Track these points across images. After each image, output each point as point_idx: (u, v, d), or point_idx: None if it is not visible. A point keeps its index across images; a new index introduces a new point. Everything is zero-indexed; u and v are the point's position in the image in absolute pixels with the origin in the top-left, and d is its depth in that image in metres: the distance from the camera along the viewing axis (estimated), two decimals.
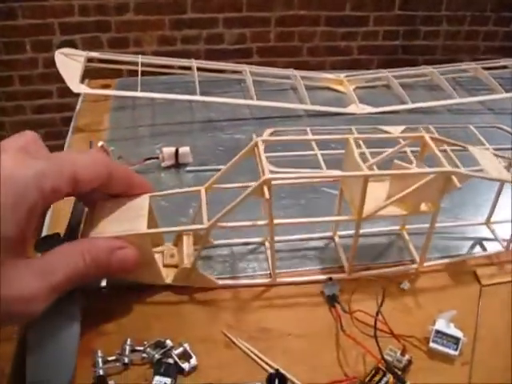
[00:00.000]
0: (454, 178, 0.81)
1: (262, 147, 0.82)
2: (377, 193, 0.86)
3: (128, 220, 0.82)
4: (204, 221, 0.83)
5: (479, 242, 1.03)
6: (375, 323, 0.80)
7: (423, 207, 0.87)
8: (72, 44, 2.65)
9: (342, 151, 1.11)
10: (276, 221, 0.83)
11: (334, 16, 3.05)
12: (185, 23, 2.81)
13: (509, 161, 0.94)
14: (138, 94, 1.29)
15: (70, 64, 1.35)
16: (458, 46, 3.38)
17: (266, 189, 0.77)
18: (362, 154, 0.98)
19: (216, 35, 2.89)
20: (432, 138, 0.87)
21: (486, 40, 3.42)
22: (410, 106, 1.42)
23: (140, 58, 1.40)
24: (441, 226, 1.03)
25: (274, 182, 0.78)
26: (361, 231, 1.00)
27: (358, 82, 1.57)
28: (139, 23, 2.76)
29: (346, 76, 1.57)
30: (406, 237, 1.01)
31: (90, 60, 1.42)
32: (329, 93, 1.56)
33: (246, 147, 0.84)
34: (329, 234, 1.00)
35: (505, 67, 1.66)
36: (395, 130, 1.28)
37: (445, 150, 0.90)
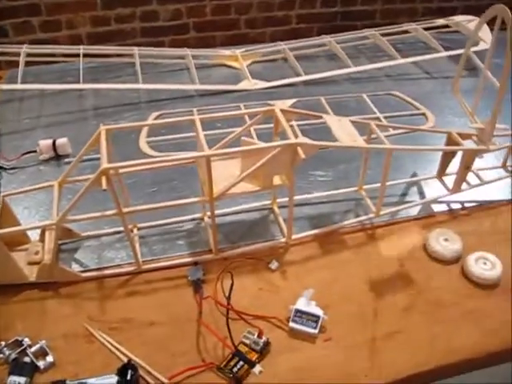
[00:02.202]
0: (299, 149, 0.80)
1: (104, 137, 0.80)
2: (230, 171, 0.85)
3: None
4: (53, 216, 0.81)
5: (353, 209, 1.04)
6: (227, 312, 0.80)
7: (277, 181, 0.86)
8: (2, 30, 2.58)
9: (227, 130, 1.11)
10: (126, 209, 0.82)
11: None
12: (117, 2, 2.74)
13: (369, 127, 0.94)
14: (17, 86, 1.26)
15: None
16: (397, 10, 3.36)
17: (103, 179, 0.76)
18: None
19: (151, 12, 2.82)
20: (283, 111, 0.87)
21: (423, 2, 3.41)
22: (302, 78, 1.41)
23: (24, 49, 1.36)
24: (314, 197, 1.04)
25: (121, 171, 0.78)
26: (232, 209, 1.00)
27: (254, 57, 1.55)
28: (70, 5, 2.68)
29: (244, 51, 1.55)
30: (277, 211, 1.00)
31: None
32: (225, 70, 1.54)
33: (92, 137, 0.83)
34: (198, 215, 0.99)
35: (406, 32, 1.64)
36: (284, 104, 1.26)
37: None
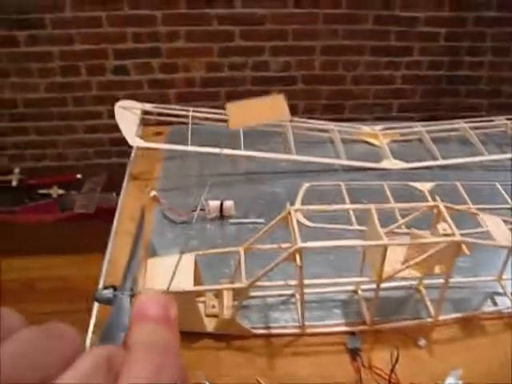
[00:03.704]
0: (463, 245, 0.91)
1: (294, 215, 0.94)
2: (395, 255, 0.96)
3: (176, 277, 0.95)
4: (243, 280, 0.95)
5: (491, 297, 1.12)
6: (389, 381, 0.91)
7: (437, 270, 0.97)
8: (124, 68, 2.79)
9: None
10: (306, 281, 0.94)
11: (378, 46, 3.11)
12: (233, 50, 2.92)
13: None
14: (188, 148, 1.42)
15: (127, 117, 1.50)
16: (503, 77, 3.41)
17: (297, 256, 0.89)
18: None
19: (262, 63, 2.98)
20: (446, 207, 0.98)
21: None
22: (440, 162, 1.52)
23: (191, 112, 1.53)
24: (456, 282, 1.13)
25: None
26: (384, 285, 1.11)
27: (392, 136, 1.67)
28: (189, 50, 2.87)
29: (382, 129, 1.67)
30: (423, 291, 1.10)
31: (145, 112, 1.56)
32: (364, 146, 1.66)
33: (279, 216, 0.96)
34: (353, 288, 1.10)
35: None
36: (423, 187, 1.37)
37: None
